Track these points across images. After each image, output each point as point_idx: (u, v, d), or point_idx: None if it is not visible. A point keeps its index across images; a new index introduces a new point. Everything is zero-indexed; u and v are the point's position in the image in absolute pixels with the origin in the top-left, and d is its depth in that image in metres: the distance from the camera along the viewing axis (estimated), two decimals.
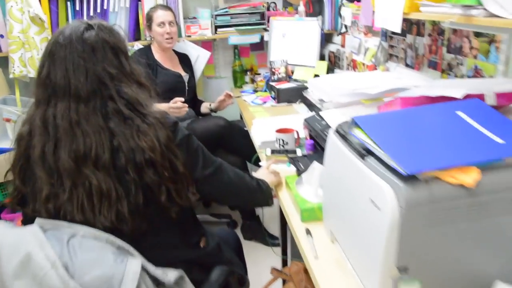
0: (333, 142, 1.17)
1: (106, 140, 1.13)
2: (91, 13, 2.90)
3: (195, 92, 2.96)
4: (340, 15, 2.77)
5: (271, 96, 2.88)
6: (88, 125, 1.13)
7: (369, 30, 2.49)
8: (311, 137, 1.83)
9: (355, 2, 2.44)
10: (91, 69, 1.15)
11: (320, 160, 1.67)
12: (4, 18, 2.74)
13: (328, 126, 1.65)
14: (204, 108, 2.93)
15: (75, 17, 2.91)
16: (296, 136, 1.97)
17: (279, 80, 2.90)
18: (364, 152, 0.99)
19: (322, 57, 2.99)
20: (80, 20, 1.24)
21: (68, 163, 1.11)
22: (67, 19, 2.91)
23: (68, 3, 2.88)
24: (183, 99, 2.44)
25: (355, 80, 1.80)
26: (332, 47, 3.10)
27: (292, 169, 1.72)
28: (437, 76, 1.88)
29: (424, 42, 1.96)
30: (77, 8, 2.89)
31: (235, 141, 2.58)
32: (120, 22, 2.99)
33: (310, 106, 2.54)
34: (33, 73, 2.77)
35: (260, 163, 1.88)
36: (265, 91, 3.01)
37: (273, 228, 2.82)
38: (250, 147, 2.28)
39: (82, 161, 1.11)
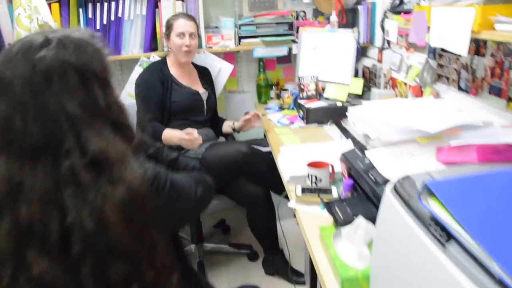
0: (391, 206, 0.89)
1: (55, 217, 0.79)
2: (105, 21, 2.67)
3: (215, 111, 2.70)
4: (383, 29, 2.47)
5: (299, 116, 2.60)
6: (33, 191, 0.80)
7: (412, 45, 2.19)
8: (350, 175, 1.54)
9: (402, 14, 2.14)
10: (41, 108, 0.81)
11: (363, 207, 1.39)
12: (12, 25, 2.53)
13: (373, 167, 1.36)
14: (227, 127, 2.66)
15: (88, 25, 2.68)
16: (330, 171, 1.69)
17: (308, 98, 2.62)
18: (445, 238, 0.71)
19: (355, 73, 2.70)
20: (40, 32, 0.91)
21: (6, 242, 0.79)
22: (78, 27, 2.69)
23: (80, 9, 2.66)
24: (197, 135, 2.21)
25: (404, 109, 1.51)
26: (367, 62, 2.81)
27: (326, 214, 1.44)
28: (501, 105, 1.58)
29: (485, 63, 1.66)
30: (90, 16, 2.67)
31: (258, 170, 2.31)
32: (135, 31, 2.76)
33: (344, 130, 2.26)
34: None
35: (289, 204, 1.60)
36: (293, 109, 2.73)
37: (298, 261, 2.54)
38: (275, 176, 2.02)
39: (24, 240, 0.79)
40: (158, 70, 2.47)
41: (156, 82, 2.42)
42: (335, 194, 1.58)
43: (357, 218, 1.20)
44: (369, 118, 1.44)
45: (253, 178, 2.32)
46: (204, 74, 2.68)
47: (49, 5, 2.54)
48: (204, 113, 2.54)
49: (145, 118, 2.40)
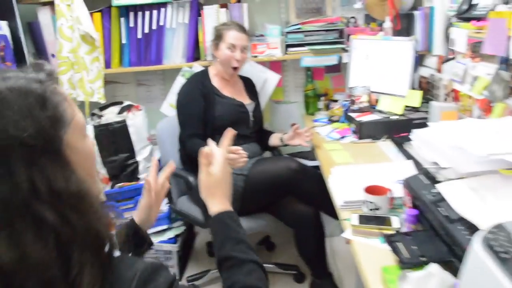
0: (482, 264, 0.73)
1: None
2: (146, 30, 2.60)
3: (261, 123, 2.56)
4: (447, 37, 2.26)
5: (351, 129, 2.43)
6: None
7: (477, 53, 1.98)
8: (414, 205, 1.37)
9: (472, 21, 1.93)
10: None
11: (432, 246, 1.21)
12: (55, 36, 2.50)
13: (443, 199, 1.18)
14: (275, 140, 2.49)
15: (129, 34, 2.62)
16: (389, 196, 1.52)
17: (360, 110, 2.44)
18: None
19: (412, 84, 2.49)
20: None
21: None
22: (120, 37, 2.63)
23: (122, 19, 2.60)
24: (244, 153, 2.04)
25: (479, 132, 1.32)
26: (424, 72, 2.60)
27: (386, 248, 1.27)
28: None
29: None
30: (131, 25, 2.61)
31: (308, 188, 2.15)
32: (178, 40, 2.67)
33: (400, 145, 2.08)
34: (82, 96, 2.51)
35: (343, 235, 1.44)
36: (343, 122, 2.56)
37: (348, 285, 2.37)
38: (325, 196, 1.85)
39: None
40: (199, 83, 2.35)
41: (197, 95, 2.30)
42: (395, 224, 1.41)
43: (429, 265, 1.03)
44: (439, 144, 1.26)
45: (302, 197, 2.16)
46: (249, 85, 2.55)
47: (91, 14, 2.49)
48: (250, 125, 2.40)
49: (185, 134, 2.30)
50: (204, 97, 2.30)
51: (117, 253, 0.76)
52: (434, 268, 1.02)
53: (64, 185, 0.66)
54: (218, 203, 1.04)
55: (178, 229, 2.64)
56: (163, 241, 2.57)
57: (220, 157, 1.10)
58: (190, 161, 2.28)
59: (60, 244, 0.65)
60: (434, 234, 1.23)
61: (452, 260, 1.10)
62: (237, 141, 2.27)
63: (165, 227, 2.59)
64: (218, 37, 2.35)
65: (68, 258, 0.65)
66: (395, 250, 1.21)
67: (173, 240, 2.59)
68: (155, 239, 2.58)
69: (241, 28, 2.35)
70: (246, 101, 2.45)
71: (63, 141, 0.69)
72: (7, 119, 0.63)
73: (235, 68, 2.34)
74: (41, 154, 0.65)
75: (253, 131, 2.42)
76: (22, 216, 0.63)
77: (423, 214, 1.30)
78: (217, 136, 2.28)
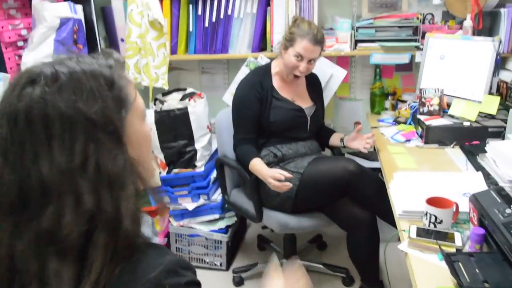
0: None
1: None
2: (214, 19, 2.57)
3: (321, 124, 2.46)
4: None
5: (417, 133, 2.29)
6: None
7: None
8: (481, 223, 1.25)
9: None
10: (19, 159, 0.69)
11: (497, 272, 1.10)
12: (125, 21, 2.54)
13: None
14: (336, 140, 2.40)
15: (196, 22, 2.61)
16: (454, 210, 1.40)
17: (429, 113, 2.29)
18: None
19: (489, 88, 2.30)
20: (49, 62, 0.75)
21: None
22: (187, 24, 2.63)
23: (191, 6, 2.60)
24: (289, 176, 2.01)
25: None
26: (505, 75, 2.40)
27: (444, 266, 1.16)
28: None
29: None
30: (199, 13, 2.59)
31: (365, 192, 2.04)
32: (245, 30, 2.63)
33: (471, 154, 1.92)
34: (147, 81, 2.54)
35: (399, 246, 1.35)
36: (410, 124, 2.42)
37: None
38: (385, 202, 1.75)
39: None
40: (258, 84, 2.23)
41: (253, 99, 2.20)
42: (458, 242, 1.30)
43: None
44: None
45: (359, 200, 2.07)
46: (314, 83, 2.43)
47: (161, 1, 2.50)
48: (308, 129, 2.31)
49: (236, 137, 2.26)
50: (261, 101, 2.21)
51: (155, 240, 0.77)
52: None
53: (110, 165, 0.70)
54: None
55: (229, 219, 2.63)
56: (214, 230, 2.58)
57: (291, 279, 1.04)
58: None
59: (89, 221, 0.69)
60: (502, 259, 1.11)
61: None
62: (294, 143, 2.22)
63: (217, 216, 2.59)
64: (291, 40, 2.16)
65: (89, 236, 0.68)
66: (455, 271, 1.10)
67: (224, 230, 2.58)
68: (206, 228, 2.59)
69: (316, 40, 2.14)
70: (306, 103, 2.34)
71: (123, 121, 0.74)
72: (79, 96, 0.70)
73: (296, 76, 2.23)
74: (100, 131, 0.70)
75: (311, 133, 2.33)
76: (69, 187, 0.68)
77: (491, 235, 1.18)
78: (271, 139, 2.25)
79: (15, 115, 0.69)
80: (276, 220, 2.15)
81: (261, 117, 2.21)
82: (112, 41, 2.73)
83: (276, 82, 2.28)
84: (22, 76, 0.73)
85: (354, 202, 2.06)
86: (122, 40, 2.62)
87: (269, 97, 2.23)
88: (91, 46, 2.57)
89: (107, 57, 0.80)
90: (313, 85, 2.42)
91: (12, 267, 0.69)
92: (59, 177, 0.68)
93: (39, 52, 2.30)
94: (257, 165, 2.10)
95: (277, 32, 2.59)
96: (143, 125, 0.81)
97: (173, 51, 2.67)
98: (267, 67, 2.34)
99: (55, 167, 0.68)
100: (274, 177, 1.98)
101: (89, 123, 0.69)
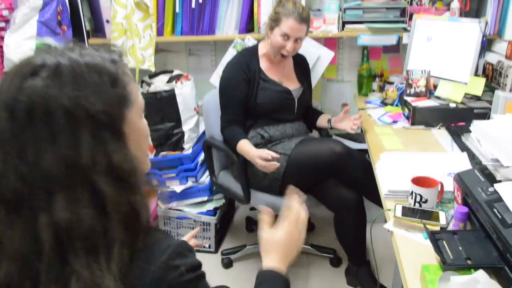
0: None
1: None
2: (200, 0, 2.54)
3: (309, 105, 2.45)
4: None
5: (404, 114, 2.30)
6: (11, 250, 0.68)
7: None
8: (465, 202, 1.26)
9: None
10: (21, 152, 0.68)
11: (480, 249, 1.11)
12: (110, 2, 2.50)
13: (500, 200, 1.08)
14: (323, 121, 2.40)
15: (183, 3, 2.57)
16: (439, 189, 1.42)
17: (416, 95, 2.30)
18: None
19: (475, 70, 2.31)
20: (49, 51, 0.73)
21: None
22: (174, 5, 2.59)
23: None
24: (277, 156, 2.01)
25: None
26: (491, 58, 2.41)
27: (429, 245, 1.18)
28: None
29: None
30: None
31: (352, 173, 2.06)
32: (232, 11, 2.61)
33: (456, 135, 1.95)
34: (133, 63, 2.51)
35: (385, 226, 1.36)
36: (397, 105, 2.43)
37: (385, 274, 2.28)
38: (370, 181, 1.78)
39: None
40: (245, 65, 2.21)
41: (240, 80, 2.19)
42: (442, 220, 1.32)
43: (474, 270, 0.94)
44: (503, 139, 1.14)
45: (346, 181, 2.08)
46: (301, 64, 2.42)
47: None
48: (295, 111, 2.31)
49: (224, 118, 2.25)
50: (248, 82, 2.20)
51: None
52: (480, 275, 0.93)
53: (121, 161, 0.71)
54: (275, 260, 0.99)
55: (218, 201, 2.64)
56: (202, 212, 2.58)
57: (290, 223, 1.07)
58: None
59: (105, 215, 0.70)
60: (484, 236, 1.13)
61: (502, 267, 1.00)
62: (281, 124, 2.22)
63: (205, 198, 2.59)
64: (276, 20, 2.15)
65: (107, 229, 0.69)
66: (439, 249, 1.12)
67: (212, 212, 2.59)
68: (194, 210, 2.59)
69: (302, 18, 2.12)
70: (293, 85, 2.33)
71: (125, 118, 0.74)
72: (82, 92, 0.69)
73: (283, 56, 2.20)
74: (104, 129, 0.70)
75: (298, 115, 2.33)
76: (81, 181, 0.68)
77: (474, 213, 1.20)
78: (259, 121, 2.25)
79: (16, 106, 0.67)
80: (264, 201, 2.16)
81: (248, 99, 2.21)
82: (97, 23, 2.70)
83: (263, 64, 2.27)
84: (23, 65, 0.71)
85: (341, 183, 2.08)
86: (108, 21, 2.58)
87: (256, 79, 2.22)
88: (76, 27, 2.53)
89: (110, 51, 0.78)
90: (301, 66, 2.41)
91: (29, 267, 0.68)
92: (67, 172, 0.68)
93: (21, 34, 2.26)
94: (245, 146, 2.11)
95: (264, 13, 2.56)
96: (142, 120, 0.81)
97: (160, 32, 2.64)
98: (254, 48, 2.32)
99: (62, 162, 0.67)
100: (261, 156, 1.99)
101: (93, 121, 0.69)
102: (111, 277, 0.68)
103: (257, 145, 2.15)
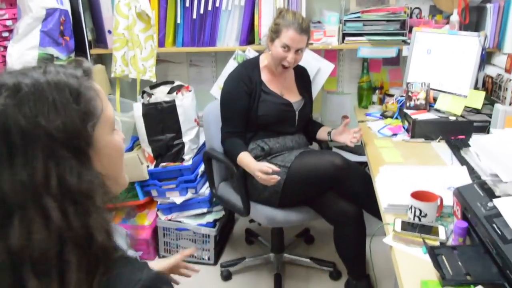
0: None
1: None
2: (201, 11, 2.56)
3: (309, 118, 2.45)
4: None
5: (404, 127, 2.31)
6: None
7: None
8: (464, 217, 1.26)
9: None
10: None
11: (480, 265, 1.11)
12: (113, 13, 2.51)
13: (499, 215, 1.08)
14: (323, 133, 2.39)
15: (184, 15, 2.59)
16: (438, 203, 1.41)
17: (416, 108, 2.31)
18: None
19: (475, 83, 2.32)
20: (13, 72, 0.72)
21: None
22: (175, 16, 2.61)
23: None
24: (277, 169, 2.00)
25: None
26: (490, 71, 2.42)
27: (428, 260, 1.18)
28: None
29: None
30: (187, 5, 2.57)
31: (351, 186, 2.05)
32: (233, 22, 2.63)
33: (456, 148, 1.95)
34: (134, 74, 2.52)
35: (384, 240, 1.36)
36: (397, 118, 2.44)
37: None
38: (370, 194, 1.77)
39: None
40: (246, 77, 2.21)
41: (241, 92, 2.19)
42: (442, 235, 1.32)
43: (474, 286, 0.94)
44: (502, 154, 1.14)
45: (345, 194, 2.07)
46: (302, 76, 2.42)
47: None
48: (296, 124, 2.30)
49: (224, 130, 2.24)
50: (249, 94, 2.20)
51: (130, 252, 0.79)
52: None
53: (75, 181, 0.68)
54: None
55: (217, 213, 2.64)
56: (201, 224, 2.58)
57: None
58: None
59: (58, 238, 0.66)
60: (484, 252, 1.12)
61: (502, 283, 1.00)
62: (282, 137, 2.22)
63: (204, 210, 2.59)
64: (276, 32, 2.15)
65: (60, 252, 0.66)
66: (438, 264, 1.12)
67: (211, 224, 2.58)
68: (194, 222, 2.59)
69: (302, 29, 2.12)
70: (294, 97, 2.32)
71: (89, 135, 0.71)
72: (40, 110, 0.67)
73: (284, 67, 2.20)
74: (62, 147, 0.68)
75: (299, 127, 2.33)
76: (34, 203, 0.66)
77: (473, 228, 1.20)
78: (260, 133, 2.24)
79: None
80: (263, 214, 2.16)
81: (249, 111, 2.20)
82: (99, 33, 2.72)
83: (264, 76, 2.27)
84: None
85: (341, 196, 2.07)
86: (109, 31, 2.60)
87: (258, 91, 2.21)
88: (78, 37, 2.55)
89: (78, 66, 0.77)
90: (302, 78, 2.41)
91: None
92: (21, 194, 0.65)
93: (24, 44, 2.27)
94: (245, 158, 2.10)
95: (265, 25, 2.59)
96: (113, 136, 0.78)
97: (161, 43, 2.65)
98: (256, 60, 2.32)
99: (17, 184, 0.65)
100: (262, 170, 1.98)
101: (49, 139, 0.67)
102: None
103: (257, 157, 2.15)
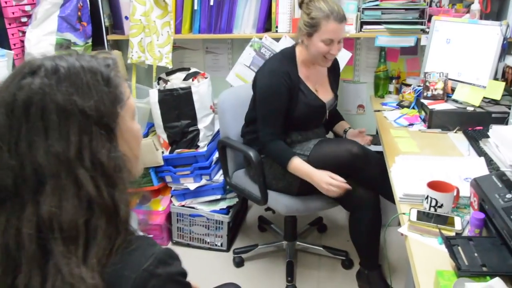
0: None
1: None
2: None
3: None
4: None
5: (420, 117, 2.28)
6: None
7: None
8: (481, 208, 1.25)
9: None
10: (15, 145, 0.71)
11: (496, 256, 1.10)
12: None
13: None
14: (340, 129, 2.38)
15: (201, 1, 2.58)
16: (455, 194, 1.40)
17: (433, 98, 2.28)
18: None
19: (495, 74, 2.28)
20: (40, 57, 0.78)
21: None
22: (192, 3, 2.60)
23: None
24: (344, 183, 1.96)
25: None
26: (511, 61, 2.37)
27: (443, 250, 1.17)
28: None
29: None
30: None
31: (369, 174, 2.03)
32: (250, 9, 2.61)
33: (474, 139, 1.92)
34: (151, 60, 2.53)
35: (399, 230, 1.36)
36: (413, 108, 2.41)
37: (397, 279, 2.27)
38: (388, 183, 1.75)
39: None
40: (286, 75, 2.04)
41: (283, 89, 2.03)
42: (458, 226, 1.31)
43: (490, 277, 0.93)
44: None
45: (363, 181, 2.05)
46: (334, 69, 2.31)
47: None
48: (323, 121, 2.27)
49: (266, 132, 2.09)
50: (290, 92, 2.05)
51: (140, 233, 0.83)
52: (496, 282, 0.92)
53: (105, 157, 0.74)
54: None
55: (231, 200, 2.65)
56: (215, 210, 2.59)
57: None
58: (252, 138, 2.22)
59: (88, 207, 0.72)
60: (501, 243, 1.11)
61: None
62: (307, 134, 2.20)
63: (218, 197, 2.60)
64: (314, 26, 1.97)
65: (88, 221, 0.72)
66: (454, 254, 1.11)
67: (225, 211, 2.60)
68: (207, 208, 2.60)
69: (341, 17, 1.98)
70: (327, 95, 2.23)
71: (117, 117, 0.78)
72: (76, 89, 0.74)
73: (327, 63, 2.09)
74: (94, 124, 0.74)
75: (324, 122, 2.30)
76: (67, 173, 0.71)
77: (490, 220, 1.19)
78: (292, 133, 2.17)
79: (14, 103, 0.72)
80: (282, 202, 2.15)
81: (287, 111, 2.09)
82: (116, 19, 2.72)
83: (301, 72, 2.13)
84: (24, 66, 0.76)
85: (358, 183, 2.05)
86: (127, 17, 2.60)
87: (296, 89, 2.08)
88: (95, 23, 2.56)
89: (105, 57, 0.84)
90: (334, 71, 2.32)
91: (11, 258, 0.70)
92: (56, 164, 0.71)
93: (43, 29, 2.29)
94: (302, 166, 2.01)
95: (282, 13, 2.57)
96: (133, 123, 0.85)
97: (178, 30, 2.65)
98: (292, 54, 2.14)
99: (52, 155, 0.71)
100: (329, 182, 1.94)
101: (83, 116, 0.73)
102: (88, 271, 0.69)
103: None
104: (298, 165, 2.02)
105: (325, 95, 2.22)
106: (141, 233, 0.85)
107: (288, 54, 2.15)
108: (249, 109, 2.29)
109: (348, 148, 2.02)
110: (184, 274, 0.80)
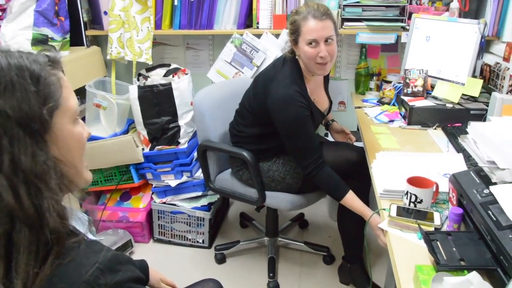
0: None
1: None
2: None
3: None
4: None
5: (401, 114, 2.30)
6: None
7: None
8: (460, 203, 1.27)
9: None
10: None
11: (473, 250, 1.11)
12: None
13: (494, 202, 1.08)
14: (334, 130, 2.41)
15: None
16: (434, 190, 1.42)
17: (413, 94, 2.30)
18: None
19: (473, 71, 2.31)
20: None
21: None
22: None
23: None
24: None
25: None
26: (488, 59, 2.41)
27: (423, 245, 1.19)
28: None
29: None
30: None
31: (366, 175, 1.95)
32: (230, 6, 2.59)
33: (452, 136, 1.95)
34: (130, 56, 2.50)
35: (379, 225, 1.36)
36: (394, 105, 2.43)
37: (379, 274, 2.30)
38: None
39: None
40: (299, 94, 1.88)
41: (306, 114, 1.89)
42: (437, 221, 1.32)
43: (468, 272, 0.95)
44: (499, 141, 1.14)
45: (361, 179, 2.04)
46: (327, 76, 2.23)
47: None
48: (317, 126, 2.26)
49: (311, 160, 1.90)
50: (309, 110, 1.93)
51: (90, 237, 0.77)
52: (473, 276, 0.93)
53: (28, 161, 0.68)
54: None
55: (212, 197, 2.63)
56: (196, 207, 2.58)
57: None
58: (244, 136, 2.14)
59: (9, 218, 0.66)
60: (478, 238, 1.13)
61: (495, 269, 1.00)
62: None
63: (199, 193, 2.59)
64: (295, 31, 1.87)
65: (9, 234, 0.66)
66: (433, 249, 1.12)
67: (206, 208, 2.58)
68: (188, 205, 2.59)
69: (321, 13, 1.82)
70: (325, 103, 2.16)
71: (45, 118, 0.71)
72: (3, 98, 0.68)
73: (323, 67, 1.90)
74: (17, 126, 0.68)
75: None
76: None
77: (468, 215, 1.20)
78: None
79: None
80: (286, 199, 2.11)
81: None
82: (95, 14, 2.68)
83: (308, 87, 2.00)
84: None
85: (352, 176, 2.04)
86: (105, 13, 2.56)
87: (309, 107, 1.93)
88: (73, 18, 2.51)
89: (42, 55, 0.78)
90: (327, 75, 2.21)
91: None
92: None
93: (18, 23, 2.24)
94: (357, 203, 1.87)
95: (263, 9, 2.56)
96: (74, 127, 0.78)
97: (158, 25, 2.62)
98: (297, 68, 1.97)
99: None
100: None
101: (4, 117, 0.67)
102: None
103: (270, 151, 2.10)
104: (351, 201, 1.89)
105: (322, 104, 2.14)
106: (92, 237, 0.79)
107: (294, 73, 1.96)
108: (241, 102, 2.17)
109: (347, 156, 2.05)
110: (137, 279, 0.74)
